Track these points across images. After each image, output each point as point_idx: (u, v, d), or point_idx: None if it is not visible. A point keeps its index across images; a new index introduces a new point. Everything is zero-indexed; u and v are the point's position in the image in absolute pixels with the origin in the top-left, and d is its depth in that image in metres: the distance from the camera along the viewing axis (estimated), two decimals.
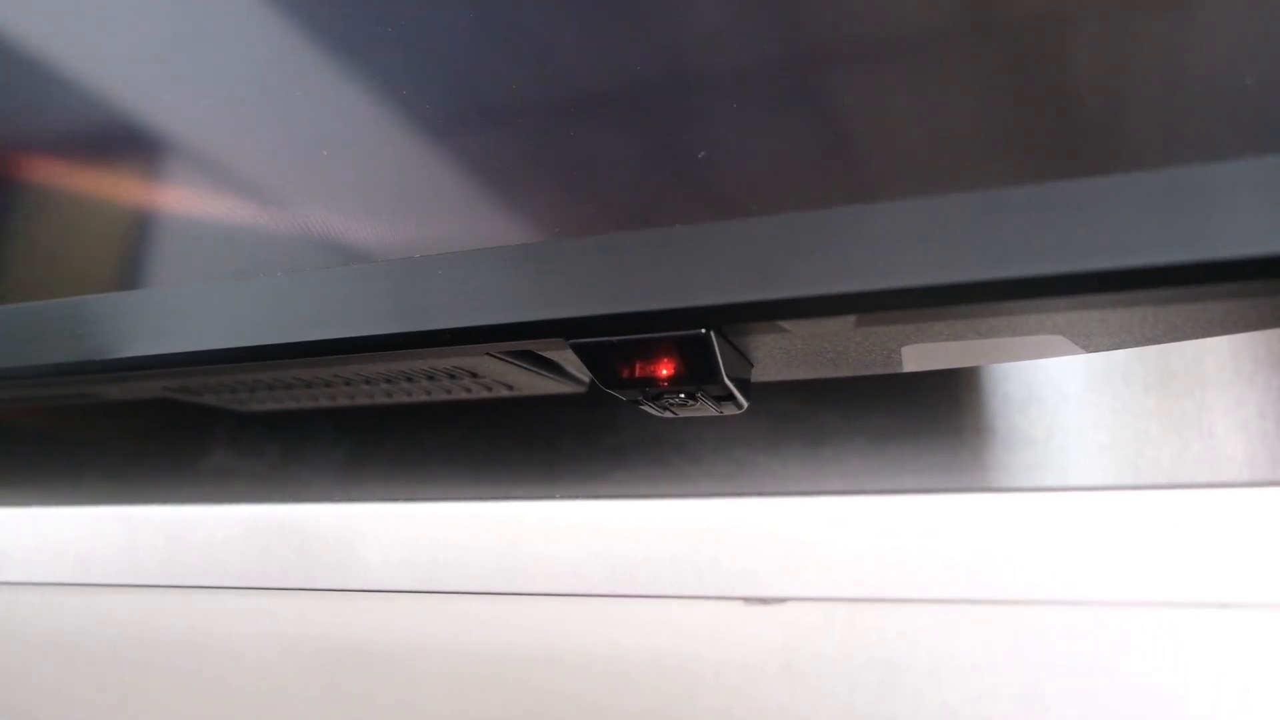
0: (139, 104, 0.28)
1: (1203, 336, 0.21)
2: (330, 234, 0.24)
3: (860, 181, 0.19)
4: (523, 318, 0.21)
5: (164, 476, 0.42)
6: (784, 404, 0.33)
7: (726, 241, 0.19)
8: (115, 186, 0.28)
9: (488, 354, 0.24)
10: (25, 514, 0.33)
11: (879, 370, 0.24)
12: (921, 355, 0.23)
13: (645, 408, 0.24)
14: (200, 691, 0.29)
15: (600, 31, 0.22)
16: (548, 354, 0.24)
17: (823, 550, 0.23)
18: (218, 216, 0.26)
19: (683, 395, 0.22)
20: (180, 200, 0.27)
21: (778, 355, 0.23)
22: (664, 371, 0.21)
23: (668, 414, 0.24)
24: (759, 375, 0.24)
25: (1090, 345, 0.22)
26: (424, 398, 0.29)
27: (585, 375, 0.26)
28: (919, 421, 0.32)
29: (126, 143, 0.28)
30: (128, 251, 0.27)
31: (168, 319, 0.25)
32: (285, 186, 0.25)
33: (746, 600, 0.24)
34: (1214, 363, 0.30)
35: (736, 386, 0.22)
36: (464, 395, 0.29)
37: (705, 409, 0.23)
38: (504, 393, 0.28)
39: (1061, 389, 0.31)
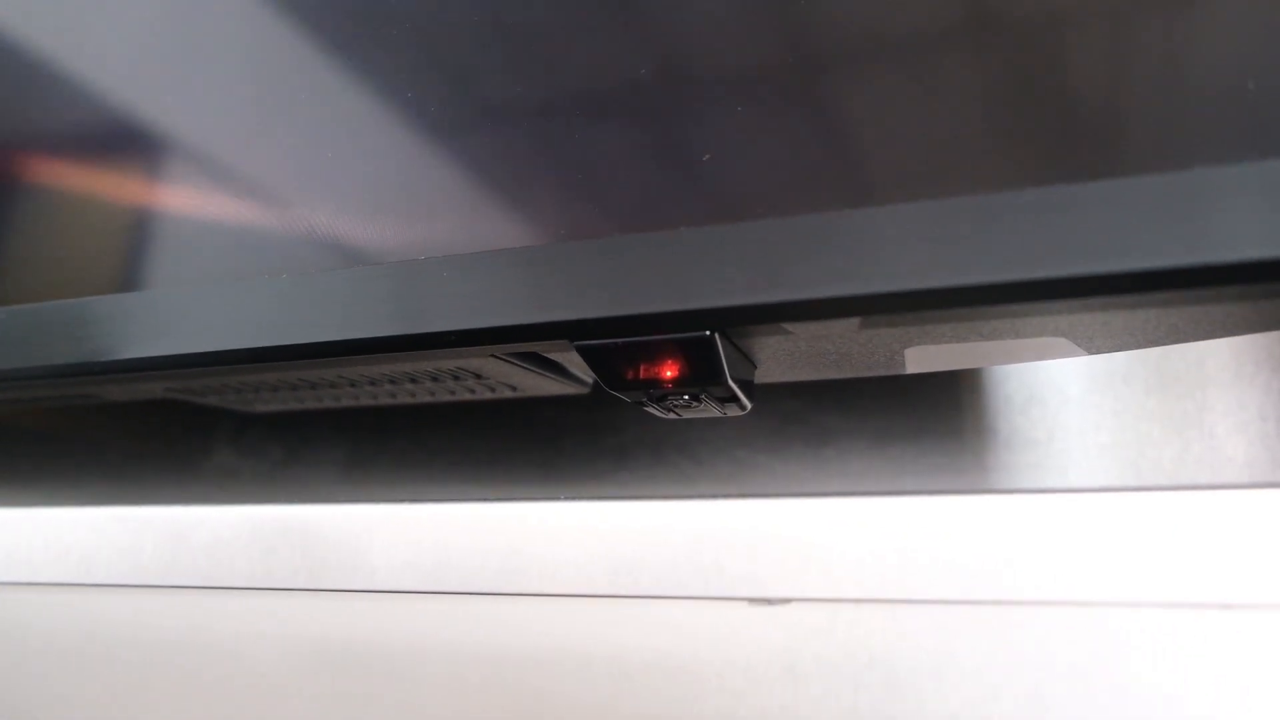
0: (143, 104, 0.28)
1: (1204, 339, 0.21)
2: (336, 236, 0.24)
3: (865, 184, 0.19)
4: (528, 320, 0.21)
5: (166, 477, 0.42)
6: (787, 405, 0.34)
7: (731, 244, 0.19)
8: (119, 187, 0.28)
9: (492, 355, 0.24)
10: (29, 514, 0.33)
11: (882, 372, 0.24)
12: (924, 357, 0.23)
13: (649, 409, 0.24)
14: (204, 691, 0.29)
15: (608, 34, 0.22)
16: (552, 355, 0.24)
17: (825, 551, 0.23)
18: (222, 218, 0.26)
19: (687, 397, 0.22)
20: (184, 201, 0.27)
21: (781, 357, 0.23)
22: (668, 373, 0.21)
23: (671, 415, 0.24)
24: (762, 376, 0.24)
25: (1092, 347, 0.22)
26: (427, 399, 0.30)
27: (589, 376, 0.26)
28: (921, 423, 0.32)
29: (131, 143, 0.28)
30: (131, 252, 0.27)
31: (171, 320, 0.25)
32: (290, 188, 0.25)
33: (750, 601, 0.24)
34: (1215, 365, 0.30)
35: (740, 388, 0.22)
36: (467, 396, 0.29)
37: (709, 410, 0.23)
38: (507, 394, 0.29)
39: (1063, 390, 0.31)
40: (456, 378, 0.27)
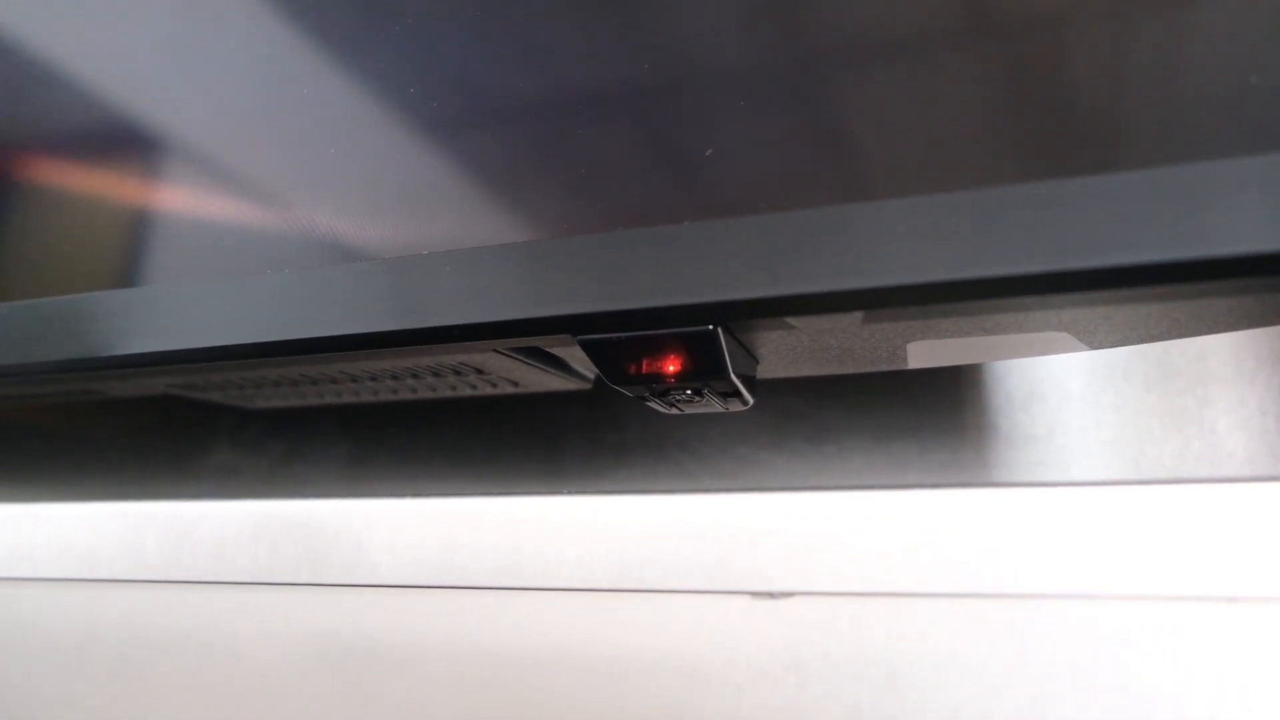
0: (144, 102, 0.28)
1: (1206, 333, 0.21)
2: (337, 232, 0.24)
3: (867, 178, 0.19)
4: (531, 314, 0.21)
5: (167, 473, 0.42)
6: (788, 401, 0.34)
7: (734, 238, 0.19)
8: (120, 185, 0.28)
9: (495, 350, 0.24)
10: (31, 510, 0.33)
11: (884, 367, 0.24)
12: (927, 352, 0.23)
13: (651, 404, 0.24)
14: (207, 687, 0.29)
15: (610, 29, 0.22)
16: (554, 350, 0.25)
17: (828, 545, 0.23)
18: (224, 214, 0.26)
19: (689, 391, 0.22)
20: (186, 197, 0.27)
21: (784, 351, 0.23)
22: (671, 368, 0.21)
23: (674, 410, 0.24)
24: (764, 371, 0.24)
25: (1095, 342, 0.22)
26: (429, 394, 0.30)
27: (591, 372, 0.26)
28: (922, 419, 0.32)
29: (132, 139, 0.28)
30: (133, 248, 0.27)
31: (173, 315, 0.25)
32: (291, 184, 0.25)
33: (752, 595, 0.24)
34: (1216, 360, 0.30)
35: (743, 383, 0.22)
36: (469, 392, 0.29)
37: (711, 405, 0.23)
38: (509, 389, 0.29)
39: (1064, 386, 0.31)
40: (458, 373, 0.27)
